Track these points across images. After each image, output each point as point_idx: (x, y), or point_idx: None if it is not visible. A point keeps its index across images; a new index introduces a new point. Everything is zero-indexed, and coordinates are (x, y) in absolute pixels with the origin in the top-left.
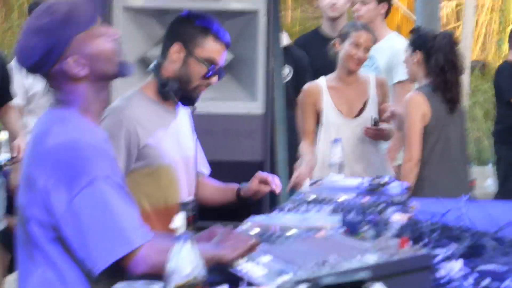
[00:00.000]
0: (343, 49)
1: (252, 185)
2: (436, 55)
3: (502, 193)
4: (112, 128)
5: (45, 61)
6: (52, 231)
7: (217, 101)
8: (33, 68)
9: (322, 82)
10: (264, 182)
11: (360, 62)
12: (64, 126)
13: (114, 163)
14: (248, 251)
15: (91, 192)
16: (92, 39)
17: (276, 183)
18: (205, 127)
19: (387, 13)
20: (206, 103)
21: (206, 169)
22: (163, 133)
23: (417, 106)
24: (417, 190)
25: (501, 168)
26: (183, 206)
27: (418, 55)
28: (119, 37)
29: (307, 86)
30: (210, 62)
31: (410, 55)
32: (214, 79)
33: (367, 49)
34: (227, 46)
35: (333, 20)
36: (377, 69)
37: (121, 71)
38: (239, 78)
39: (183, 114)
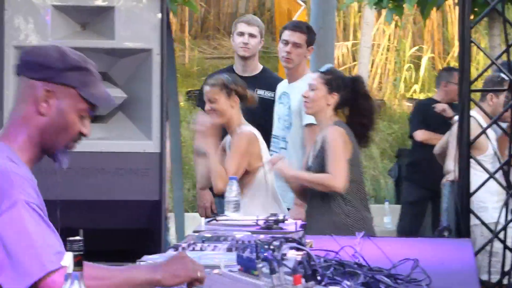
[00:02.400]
0: None
1: None
2: (353, 100)
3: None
4: None
5: (45, 68)
6: None
7: (112, 140)
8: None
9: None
10: None
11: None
12: None
13: (37, 191)
14: (191, 283)
15: (11, 216)
16: (75, 109)
17: None
18: (98, 166)
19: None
20: (99, 142)
21: None
22: None
23: (341, 137)
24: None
25: (402, 205)
26: (70, 244)
27: (336, 97)
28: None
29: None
30: None
31: (324, 94)
32: None
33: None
34: None
35: (245, 59)
36: (290, 108)
37: (59, 153)
38: (133, 117)
39: None
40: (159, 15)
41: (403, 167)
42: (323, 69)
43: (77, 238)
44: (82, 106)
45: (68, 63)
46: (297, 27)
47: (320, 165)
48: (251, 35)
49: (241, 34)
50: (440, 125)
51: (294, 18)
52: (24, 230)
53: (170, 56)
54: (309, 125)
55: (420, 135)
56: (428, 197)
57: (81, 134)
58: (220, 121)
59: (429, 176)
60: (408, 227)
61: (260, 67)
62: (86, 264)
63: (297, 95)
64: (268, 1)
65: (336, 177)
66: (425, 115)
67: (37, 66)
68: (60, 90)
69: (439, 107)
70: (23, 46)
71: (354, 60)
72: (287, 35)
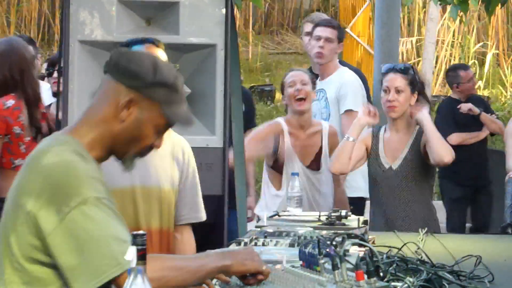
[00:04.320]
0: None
1: None
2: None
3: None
4: None
5: (136, 77)
6: (38, 253)
7: None
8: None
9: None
10: None
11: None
12: (62, 148)
13: (105, 186)
14: (257, 274)
15: (82, 212)
16: (153, 123)
17: None
18: None
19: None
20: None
21: (192, 217)
22: None
23: None
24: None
25: (446, 203)
26: (134, 239)
27: (415, 97)
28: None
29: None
30: None
31: (409, 95)
32: None
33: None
34: None
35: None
36: (326, 100)
37: (127, 159)
38: (197, 112)
39: (166, 144)
40: (224, 10)
41: None
42: (385, 67)
43: (141, 232)
44: (160, 122)
45: (158, 78)
46: (329, 23)
47: (417, 153)
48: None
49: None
50: (470, 122)
51: (358, 14)
52: (97, 227)
53: (234, 51)
54: (348, 111)
55: (455, 138)
56: (469, 194)
57: (152, 147)
58: None
59: (469, 175)
60: (458, 223)
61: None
62: (158, 256)
63: (332, 88)
64: None
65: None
66: (452, 116)
67: (128, 72)
68: (144, 102)
69: (464, 108)
70: (88, 41)
71: (418, 56)
72: (319, 31)
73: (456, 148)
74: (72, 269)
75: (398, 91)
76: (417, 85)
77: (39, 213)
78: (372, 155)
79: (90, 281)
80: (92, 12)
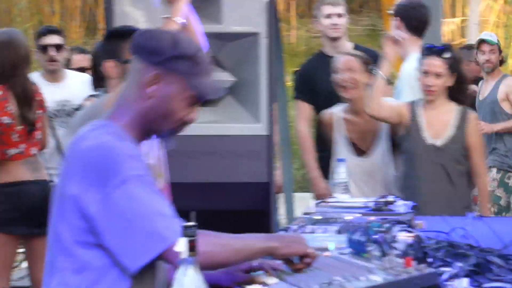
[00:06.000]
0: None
1: None
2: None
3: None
4: None
5: (156, 52)
6: (87, 235)
7: (220, 123)
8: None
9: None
10: None
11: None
12: (99, 131)
13: (145, 164)
14: (303, 258)
15: (124, 191)
16: (181, 96)
17: None
18: (208, 149)
19: None
20: (209, 125)
21: None
22: None
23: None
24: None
25: None
26: (185, 230)
27: (454, 77)
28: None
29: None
30: None
31: (447, 78)
32: None
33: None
34: None
35: (335, 40)
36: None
37: (164, 135)
38: (242, 100)
39: None
40: None
41: None
42: (425, 49)
43: (191, 223)
44: (188, 94)
45: (179, 51)
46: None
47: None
48: (339, 15)
49: (328, 16)
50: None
51: None
52: (140, 205)
53: (277, 39)
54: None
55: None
56: None
57: (187, 121)
58: None
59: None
60: None
61: (350, 44)
62: (205, 233)
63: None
64: None
65: None
66: None
67: (150, 49)
68: (169, 76)
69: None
70: None
71: (463, 36)
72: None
73: None
74: (119, 248)
75: (437, 75)
76: (456, 65)
77: (84, 197)
78: (412, 129)
79: (137, 259)
80: (136, 4)
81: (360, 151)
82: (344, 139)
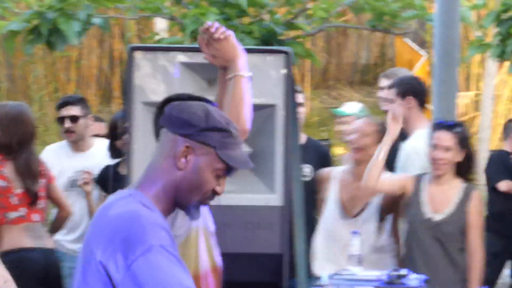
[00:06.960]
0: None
1: None
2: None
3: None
4: None
5: (188, 125)
6: None
7: (236, 193)
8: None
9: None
10: None
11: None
12: (127, 200)
13: (169, 234)
14: None
15: (147, 260)
16: (212, 168)
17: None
18: (224, 219)
19: None
20: (225, 195)
21: None
22: None
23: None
24: None
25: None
26: None
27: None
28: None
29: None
30: None
31: (457, 153)
32: None
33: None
34: None
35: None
36: None
37: (191, 207)
38: (258, 171)
39: None
40: (284, 71)
41: None
42: (436, 123)
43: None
44: (219, 166)
45: (210, 123)
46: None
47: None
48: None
49: (381, 88)
50: None
51: (415, 69)
52: (162, 275)
53: (293, 111)
54: None
55: (505, 185)
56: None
57: (215, 193)
58: None
59: None
60: (491, 277)
61: None
62: None
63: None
64: (390, 51)
65: None
66: (504, 166)
67: (181, 122)
68: (199, 148)
69: None
70: (151, 102)
71: (476, 110)
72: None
73: (503, 197)
74: None
75: (446, 150)
76: (465, 141)
77: (108, 263)
78: (413, 202)
79: None
80: (155, 74)
81: (348, 213)
82: (334, 200)
